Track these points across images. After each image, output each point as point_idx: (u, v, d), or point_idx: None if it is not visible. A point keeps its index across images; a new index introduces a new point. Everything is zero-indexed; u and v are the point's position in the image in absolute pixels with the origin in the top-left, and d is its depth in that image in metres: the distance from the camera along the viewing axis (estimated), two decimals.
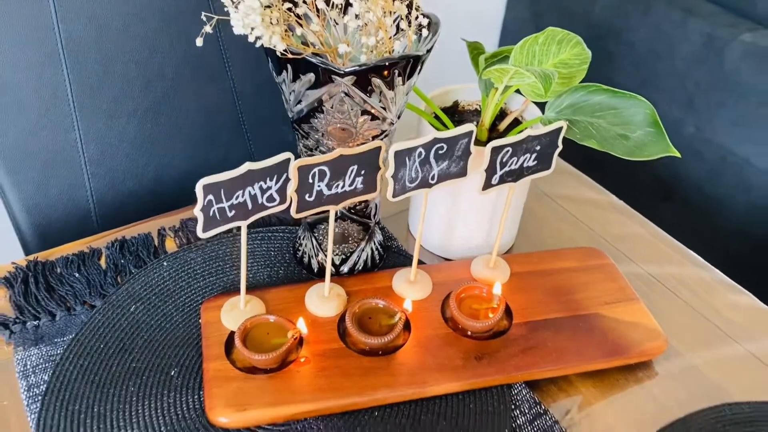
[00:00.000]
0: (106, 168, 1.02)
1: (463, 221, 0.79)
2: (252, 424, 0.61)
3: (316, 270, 0.77)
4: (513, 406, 0.65)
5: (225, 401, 0.61)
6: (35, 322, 0.70)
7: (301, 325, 0.67)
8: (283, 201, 0.62)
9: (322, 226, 0.75)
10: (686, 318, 0.78)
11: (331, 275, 0.73)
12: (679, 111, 1.57)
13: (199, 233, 0.58)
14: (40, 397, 0.63)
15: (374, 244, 0.78)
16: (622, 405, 0.67)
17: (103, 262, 0.77)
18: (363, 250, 0.76)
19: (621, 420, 0.66)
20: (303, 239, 0.78)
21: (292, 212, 0.62)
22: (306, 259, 0.78)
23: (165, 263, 0.77)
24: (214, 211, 0.57)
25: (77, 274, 0.75)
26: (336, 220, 0.73)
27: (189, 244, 0.80)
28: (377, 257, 0.79)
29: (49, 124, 0.96)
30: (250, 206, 0.59)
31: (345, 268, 0.77)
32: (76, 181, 1.00)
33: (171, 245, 0.81)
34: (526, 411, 0.65)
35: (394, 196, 0.64)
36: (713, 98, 1.50)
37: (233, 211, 0.58)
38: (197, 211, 0.56)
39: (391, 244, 0.83)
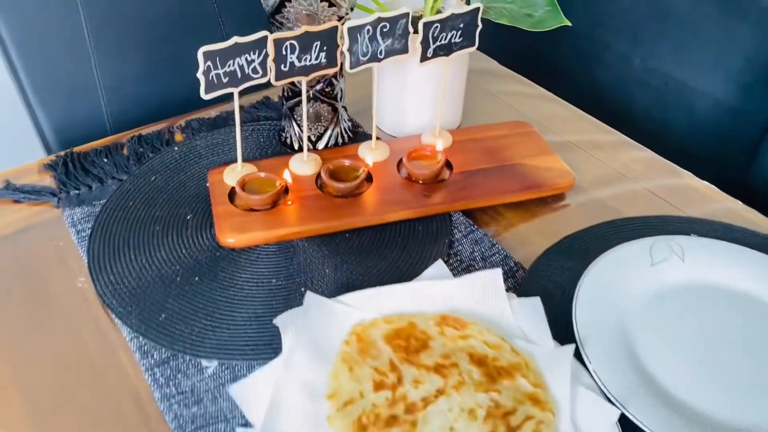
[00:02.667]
0: (119, 96, 1.20)
1: (410, 103, 0.98)
2: (252, 243, 0.80)
3: (297, 147, 0.95)
4: (452, 227, 0.84)
5: (231, 228, 0.80)
6: (77, 191, 0.88)
7: (287, 176, 0.86)
8: (264, 74, 0.80)
9: (299, 108, 0.93)
10: (595, 168, 0.97)
11: (309, 150, 0.92)
12: (626, 45, 1.75)
13: (202, 95, 0.76)
14: (86, 238, 0.82)
15: (343, 125, 0.97)
16: (538, 224, 0.86)
17: (125, 152, 0.96)
18: (334, 129, 0.95)
19: (536, 232, 0.85)
20: (286, 126, 0.96)
21: (272, 80, 0.80)
22: (289, 141, 0.96)
23: (176, 148, 0.96)
24: (212, 76, 0.75)
25: (105, 159, 0.94)
26: (309, 101, 0.91)
27: (194, 136, 0.99)
28: (346, 138, 0.98)
29: (70, 57, 1.15)
30: (239, 75, 0.78)
31: (320, 145, 0.95)
32: (94, 107, 1.19)
33: (179, 138, 1.00)
34: (463, 230, 0.84)
35: (350, 68, 0.82)
36: (654, 30, 1.68)
37: (227, 78, 0.77)
38: (200, 74, 0.74)
39: (357, 130, 1.02)
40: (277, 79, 0.81)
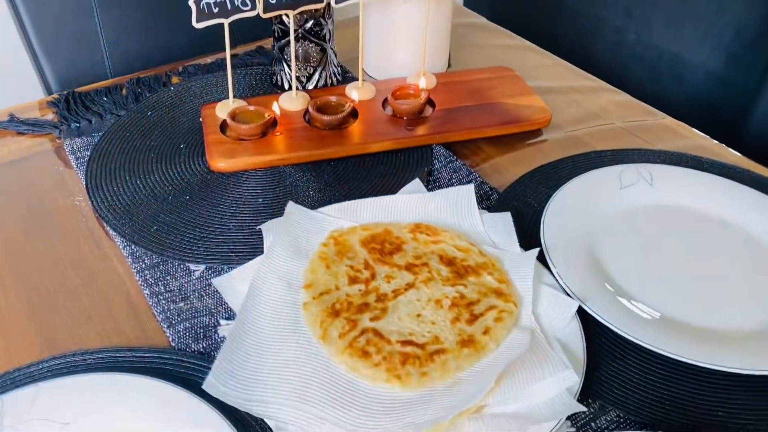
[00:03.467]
0: (120, 50, 1.25)
1: (396, 44, 1.02)
2: (241, 168, 0.84)
3: (287, 88, 1.00)
4: (432, 159, 0.88)
5: (221, 154, 0.85)
6: (77, 124, 0.93)
7: (275, 108, 0.91)
8: (253, 7, 0.84)
9: (289, 48, 0.97)
10: (573, 109, 1.01)
11: (298, 89, 0.96)
12: (621, 20, 1.79)
13: (194, 23, 0.81)
14: (85, 163, 0.86)
15: (332, 69, 1.01)
16: (515, 156, 0.90)
17: (124, 92, 1.01)
18: (323, 71, 0.99)
19: (513, 163, 0.89)
20: (277, 68, 1.01)
21: (260, 12, 0.84)
22: (280, 82, 1.01)
23: (172, 88, 1.00)
24: (203, 5, 0.80)
25: (105, 98, 0.99)
26: (297, 41, 0.96)
27: (190, 78, 1.03)
28: (335, 81, 1.02)
29: (74, 12, 1.19)
30: (229, 6, 0.82)
31: (310, 86, 1.00)
32: (97, 60, 1.23)
33: (176, 81, 1.04)
34: (442, 160, 0.88)
35: (336, 2, 0.87)
36: (648, 4, 1.71)
37: (217, 8, 0.81)
38: (191, 2, 0.79)
39: (347, 75, 1.06)
40: (265, 11, 0.85)
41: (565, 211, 0.78)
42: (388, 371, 0.58)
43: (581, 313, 0.64)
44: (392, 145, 0.89)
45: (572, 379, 0.57)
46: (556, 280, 0.68)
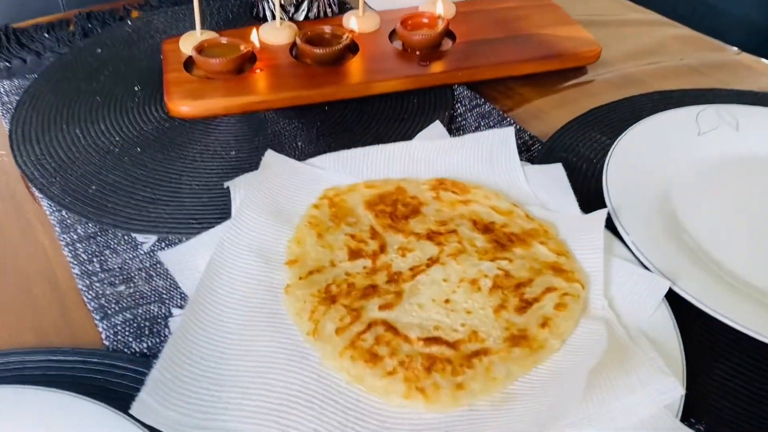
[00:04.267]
0: None
1: None
2: (210, 113, 0.66)
3: (270, 19, 0.81)
4: (454, 101, 0.70)
5: (185, 95, 0.66)
6: (7, 63, 0.75)
7: (254, 40, 0.72)
8: None
9: None
10: (624, 43, 0.82)
11: (283, 19, 0.78)
12: None
13: None
14: (13, 109, 0.68)
15: None
16: (556, 98, 0.72)
17: (71, 28, 0.82)
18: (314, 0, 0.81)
19: (555, 107, 0.70)
20: None
21: None
22: (261, 14, 0.82)
23: (129, 22, 0.81)
24: None
25: (47, 35, 0.80)
26: None
27: (152, 11, 0.85)
28: (330, 14, 0.84)
29: None
30: None
31: (300, 16, 0.81)
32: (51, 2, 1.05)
33: (135, 16, 0.86)
34: (467, 104, 0.70)
35: None
36: None
37: None
38: None
39: (345, 8, 0.87)
40: None
41: (631, 163, 0.60)
42: (407, 382, 0.40)
43: (668, 296, 0.47)
44: (402, 85, 0.70)
45: (674, 391, 0.39)
46: (631, 252, 0.51)
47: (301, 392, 0.40)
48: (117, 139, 0.64)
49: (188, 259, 0.48)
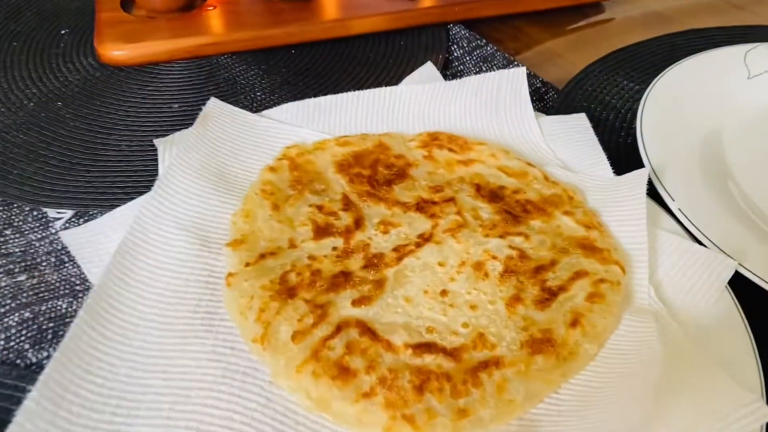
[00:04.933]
0: None
1: None
2: (150, 58, 0.54)
3: None
4: (449, 42, 0.59)
5: (119, 38, 0.54)
6: None
7: None
8: None
9: None
10: None
11: None
12: None
13: None
14: None
15: None
16: (571, 39, 0.60)
17: None
18: None
19: (570, 49, 0.59)
20: None
21: None
22: None
23: None
24: None
25: None
26: None
27: None
28: None
29: None
30: None
31: None
32: None
33: None
34: (465, 45, 0.58)
35: None
36: None
37: None
38: None
39: None
40: None
41: (670, 113, 0.49)
42: (389, 408, 0.29)
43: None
44: (386, 23, 0.58)
45: (759, 413, 0.29)
46: (679, 224, 0.40)
47: (243, 423, 0.29)
48: (33, 91, 0.52)
49: (100, 241, 0.36)
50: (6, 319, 0.37)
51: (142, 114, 0.50)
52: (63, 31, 0.58)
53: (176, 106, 0.51)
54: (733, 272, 0.35)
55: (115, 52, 0.54)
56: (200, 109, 0.46)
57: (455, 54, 0.57)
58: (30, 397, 0.27)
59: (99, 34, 0.55)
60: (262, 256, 0.35)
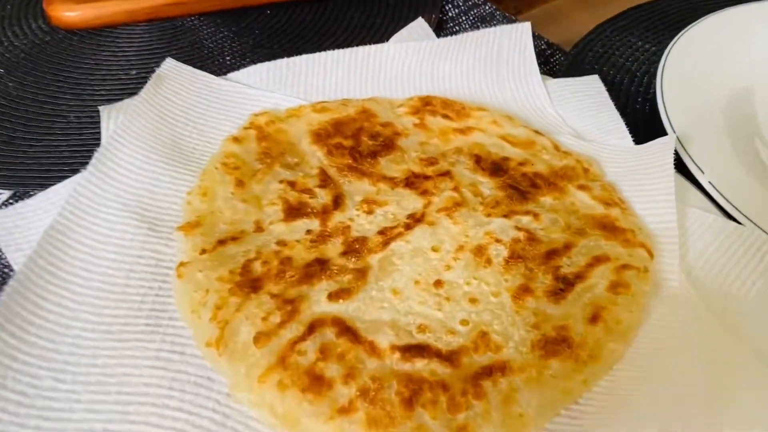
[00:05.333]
0: None
1: None
2: (105, 20, 0.47)
3: None
4: (444, 1, 0.53)
5: None
6: None
7: None
8: None
9: None
10: None
11: None
12: None
13: None
14: None
15: None
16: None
17: None
18: None
19: (577, 7, 0.53)
20: None
21: None
22: None
23: None
24: None
25: None
26: None
27: None
28: None
29: None
30: None
31: None
32: None
33: None
34: (460, 5, 0.52)
35: None
36: None
37: None
38: None
39: None
40: None
41: (691, 76, 0.43)
42: (371, 427, 0.24)
43: None
44: None
45: None
46: (711, 200, 0.35)
47: None
48: None
49: (29, 225, 0.30)
50: None
51: (96, 82, 0.44)
52: None
53: (134, 72, 0.45)
54: None
55: (67, 13, 0.47)
56: None
57: (450, 14, 0.51)
58: None
59: None
60: (222, 242, 0.29)
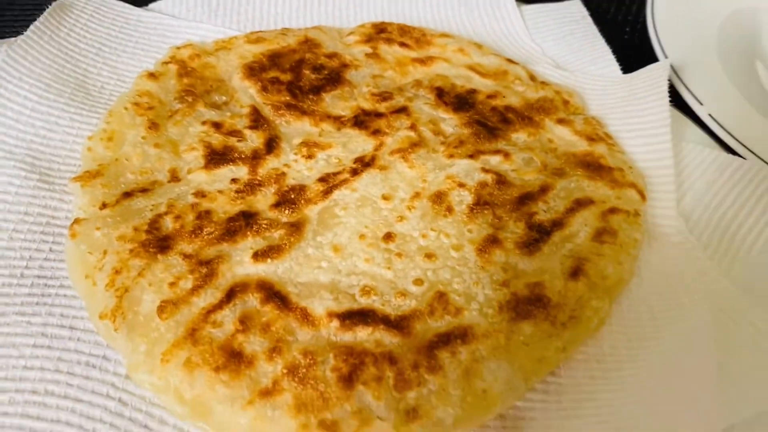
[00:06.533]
0: None
1: None
2: None
3: None
4: None
5: None
6: None
7: None
8: None
9: None
10: None
11: None
12: None
13: None
14: None
15: None
16: None
17: None
18: None
19: None
20: None
21: None
22: None
23: None
24: None
25: None
26: None
27: None
28: None
29: None
30: None
31: None
32: None
33: None
34: None
35: None
36: None
37: None
38: None
39: None
40: None
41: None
42: (301, 411, 0.20)
43: None
44: None
45: None
46: (711, 135, 0.31)
47: None
48: None
49: None
50: None
51: None
52: None
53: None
54: None
55: None
56: None
57: None
58: None
59: None
60: (127, 195, 0.24)
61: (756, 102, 0.33)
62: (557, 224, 0.24)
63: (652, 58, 0.34)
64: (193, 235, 0.24)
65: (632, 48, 0.38)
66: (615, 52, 0.35)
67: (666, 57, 0.34)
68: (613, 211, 0.25)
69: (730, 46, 0.37)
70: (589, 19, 0.34)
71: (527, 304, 0.22)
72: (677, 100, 0.32)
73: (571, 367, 0.21)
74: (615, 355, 0.22)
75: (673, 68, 0.33)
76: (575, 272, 0.23)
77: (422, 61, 0.31)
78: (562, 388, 0.21)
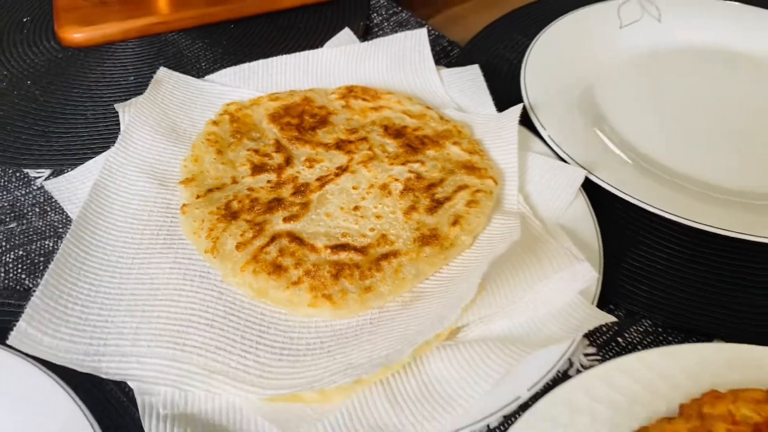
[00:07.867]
0: None
1: None
2: (106, 39, 0.61)
3: None
4: (370, 11, 0.67)
5: (77, 22, 0.61)
6: None
7: None
8: None
9: None
10: None
11: None
12: None
13: None
14: None
15: None
16: (479, 3, 0.69)
17: None
18: None
19: (476, 11, 0.68)
20: None
21: None
22: None
23: None
24: None
25: None
26: None
27: None
28: None
29: None
30: None
31: None
32: None
33: None
34: (383, 13, 0.66)
35: None
36: None
37: None
38: None
39: None
40: None
41: (551, 60, 0.58)
42: (312, 291, 0.38)
43: (585, 188, 0.46)
44: None
45: (588, 276, 0.38)
46: (549, 147, 0.49)
47: (202, 311, 0.38)
48: (5, 73, 0.58)
49: (77, 187, 0.44)
50: (3, 257, 0.45)
51: (102, 87, 0.57)
52: (25, 19, 0.65)
53: (132, 78, 0.58)
54: (583, 178, 0.45)
55: (75, 35, 0.61)
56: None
57: (375, 21, 0.65)
58: (35, 295, 0.35)
59: (58, 20, 0.61)
60: (210, 191, 0.43)
61: (584, 132, 0.52)
62: (447, 199, 0.43)
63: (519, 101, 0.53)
64: (249, 211, 0.42)
65: (516, 93, 0.56)
66: (503, 96, 0.54)
67: (528, 98, 0.52)
68: (478, 191, 0.43)
69: (575, 96, 0.56)
70: (482, 78, 0.53)
71: (429, 238, 0.40)
72: (530, 126, 0.51)
73: (448, 269, 0.40)
74: (470, 262, 0.40)
75: (531, 104, 0.52)
76: (455, 222, 0.41)
77: (375, 109, 0.50)
78: (442, 278, 0.39)
